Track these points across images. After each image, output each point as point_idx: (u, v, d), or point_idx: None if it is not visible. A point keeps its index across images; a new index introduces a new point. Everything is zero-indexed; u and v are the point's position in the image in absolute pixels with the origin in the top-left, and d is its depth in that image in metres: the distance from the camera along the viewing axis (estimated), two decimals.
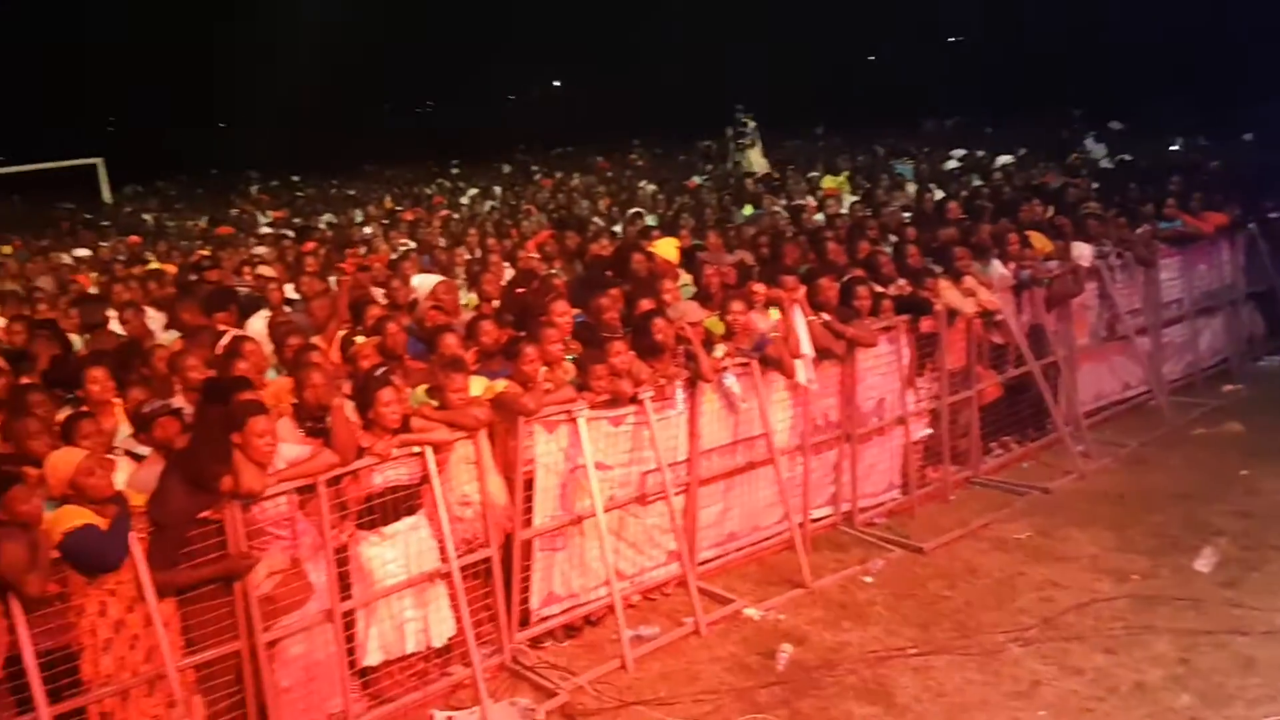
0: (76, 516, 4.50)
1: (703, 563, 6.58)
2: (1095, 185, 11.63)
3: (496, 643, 5.74)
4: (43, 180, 26.09)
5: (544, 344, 5.91)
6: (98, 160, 23.21)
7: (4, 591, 4.30)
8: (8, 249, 14.22)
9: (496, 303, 7.39)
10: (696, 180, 16.09)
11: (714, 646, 5.86)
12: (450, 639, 5.55)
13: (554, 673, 5.64)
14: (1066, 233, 8.86)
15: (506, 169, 22.87)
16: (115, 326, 7.68)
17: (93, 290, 9.75)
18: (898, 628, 5.88)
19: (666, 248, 8.06)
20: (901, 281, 7.69)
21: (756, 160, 16.36)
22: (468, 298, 7.71)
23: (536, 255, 8.78)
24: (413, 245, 10.62)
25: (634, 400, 5.97)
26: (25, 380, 6.14)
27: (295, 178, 25.92)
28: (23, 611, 4.33)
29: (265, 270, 9.02)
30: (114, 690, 4.60)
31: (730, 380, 6.34)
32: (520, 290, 7.19)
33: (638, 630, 5.97)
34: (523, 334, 6.11)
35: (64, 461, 4.61)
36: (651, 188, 15.46)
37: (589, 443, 5.78)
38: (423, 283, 7.63)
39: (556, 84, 50.84)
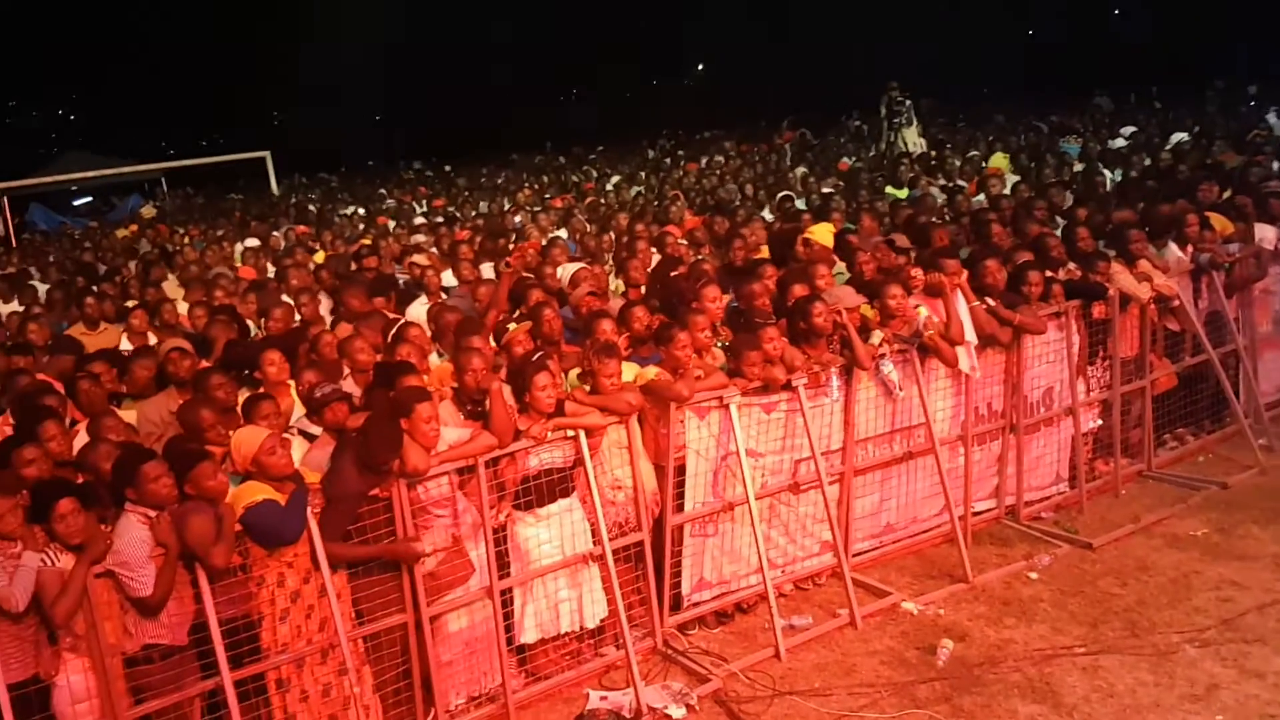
0: (258, 492, 4.75)
1: (857, 554, 6.46)
2: (1277, 164, 10.78)
3: (648, 626, 5.79)
4: (216, 174, 27.75)
5: (694, 330, 5.90)
6: (265, 154, 24.42)
7: (191, 562, 4.59)
8: (187, 239, 15.15)
9: (643, 288, 7.42)
10: (848, 162, 15.74)
11: (870, 639, 5.75)
12: (603, 620, 5.62)
13: (706, 658, 5.64)
14: (1248, 214, 8.26)
15: (651, 154, 22.91)
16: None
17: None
18: (1065, 626, 5.66)
19: (823, 233, 7.89)
20: (1071, 265, 7.34)
21: (912, 140, 15.89)
22: (614, 284, 7.77)
23: (684, 241, 8.76)
24: (561, 233, 10.77)
25: (787, 387, 5.88)
26: (206, 363, 6.52)
27: (448, 167, 26.69)
28: (209, 581, 4.61)
29: (420, 259, 9.29)
30: (290, 658, 4.85)
31: (888, 368, 6.18)
32: (671, 275, 7.17)
33: (791, 620, 5.92)
34: (673, 320, 6.10)
35: (248, 440, 4.87)
36: (801, 170, 15.21)
37: (740, 429, 5.73)
38: (564, 271, 7.74)
39: (700, 68, 50.63)
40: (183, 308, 8.76)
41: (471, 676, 5.36)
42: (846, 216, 9.27)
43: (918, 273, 6.65)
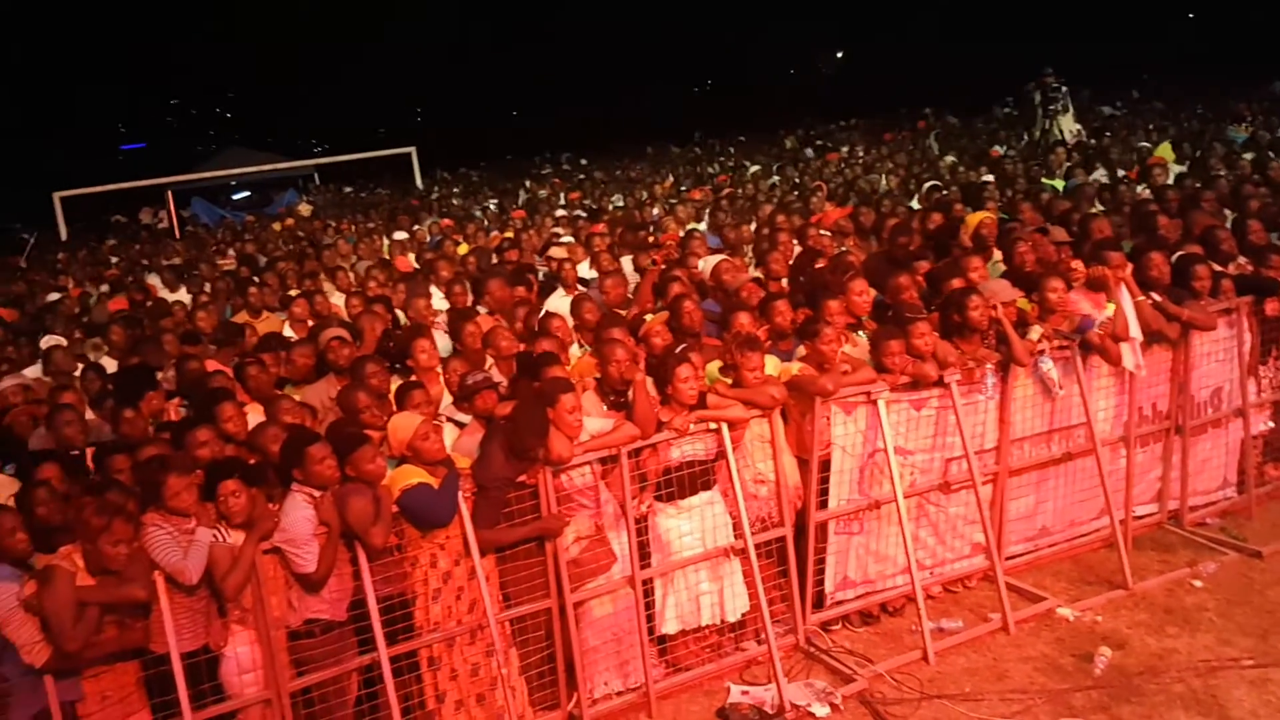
0: (413, 475, 4.91)
1: (1010, 557, 6.23)
2: None
3: (789, 623, 5.73)
4: (362, 169, 28.82)
5: (836, 324, 5.80)
6: (410, 149, 25.23)
7: (351, 541, 4.77)
8: (339, 233, 15.77)
9: (784, 281, 7.32)
10: (999, 150, 15.18)
11: (1023, 645, 5.55)
12: (744, 615, 5.59)
13: (850, 658, 5.55)
14: None
15: (789, 144, 22.62)
16: (437, 302, 8.30)
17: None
18: (1232, 636, 5.37)
19: (978, 223, 7.63)
20: (1243, 259, 6.90)
21: (1068, 127, 15.20)
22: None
23: (827, 232, 8.61)
24: (699, 225, 10.74)
25: (939, 384, 5.72)
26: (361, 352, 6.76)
27: (584, 160, 27.02)
28: (367, 560, 4.79)
29: (558, 251, 9.42)
30: (441, 637, 4.99)
31: (1047, 365, 5.93)
32: (815, 268, 7.06)
33: (939, 623, 5.77)
34: (816, 314, 6.00)
35: (404, 425, 5.04)
36: (950, 158, 14.74)
37: (889, 426, 5.60)
38: (706, 263, 7.70)
39: (839, 54, 49.76)
40: (336, 298, 9.14)
41: (614, 664, 5.41)
42: (1001, 207, 8.94)
43: (1079, 265, 6.36)
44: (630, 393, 5.31)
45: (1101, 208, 8.94)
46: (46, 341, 8.47)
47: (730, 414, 5.41)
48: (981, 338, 5.88)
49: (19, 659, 4.21)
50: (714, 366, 5.72)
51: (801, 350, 5.80)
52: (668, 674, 5.51)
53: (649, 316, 6.31)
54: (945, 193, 10.57)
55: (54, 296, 11.96)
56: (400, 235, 13.71)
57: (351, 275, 10.36)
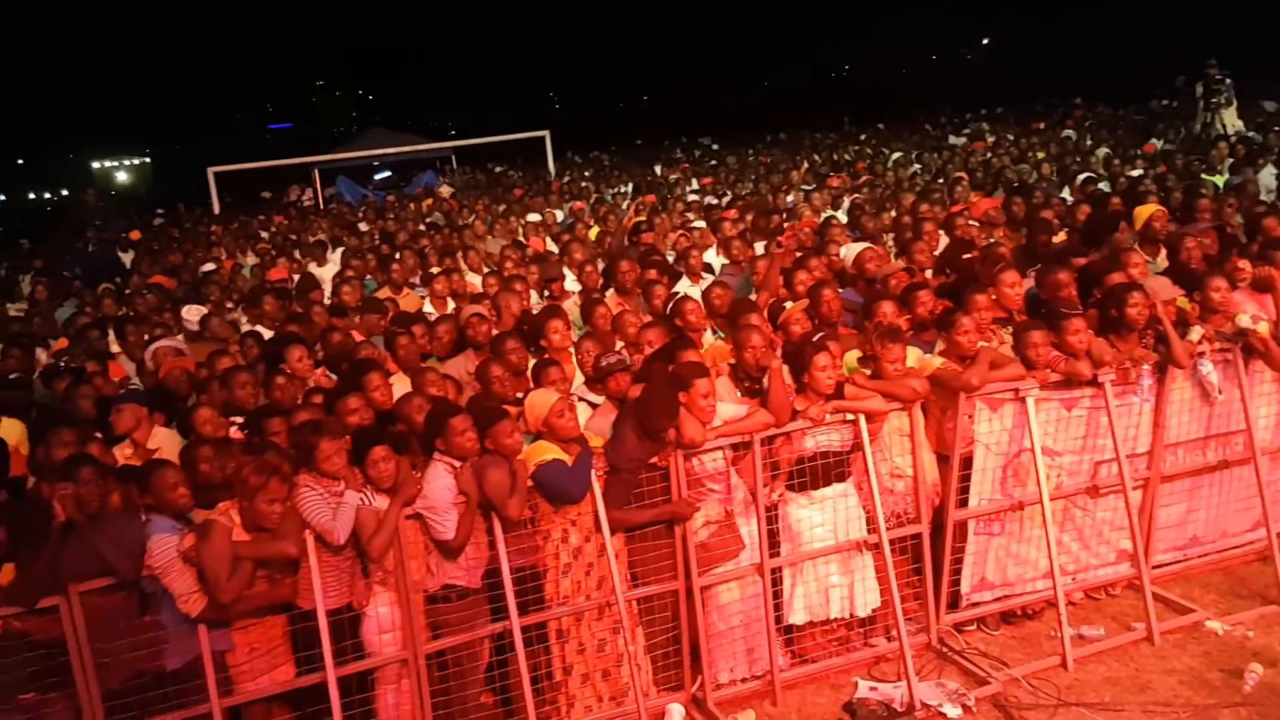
0: (548, 451, 4.99)
1: (1158, 566, 5.96)
2: None
3: (922, 621, 5.61)
4: (497, 152, 29.35)
5: (976, 314, 5.62)
6: (544, 133, 25.54)
7: (488, 512, 4.88)
8: (474, 215, 16.13)
9: (929, 271, 7.14)
10: (1155, 143, 14.44)
11: (1169, 657, 5.32)
12: (874, 610, 5.49)
13: (984, 660, 5.41)
14: None
15: (932, 131, 21.99)
16: (570, 283, 8.41)
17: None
18: None
19: (1149, 216, 7.27)
20: None
21: (1231, 121, 14.36)
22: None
23: (975, 222, 8.34)
24: (836, 212, 10.57)
25: (1092, 383, 5.48)
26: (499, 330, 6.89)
27: (715, 146, 26.89)
28: (503, 531, 4.89)
29: (687, 236, 9.39)
30: (570, 610, 5.08)
31: (1207, 368, 5.62)
32: (964, 258, 6.84)
33: (1080, 629, 5.57)
34: (958, 305, 5.83)
35: (541, 402, 5.12)
36: (1103, 150, 14.08)
37: (1037, 425, 5.40)
38: (848, 251, 7.56)
39: (985, 41, 48.14)
40: (470, 277, 9.36)
41: (739, 650, 5.40)
42: (1159, 202, 8.48)
43: (1245, 265, 6.00)
44: (765, 380, 5.27)
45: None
46: (193, 312, 8.92)
47: (869, 405, 5.31)
48: (1139, 337, 5.60)
49: (176, 608, 4.45)
50: (852, 356, 5.61)
51: (941, 343, 5.64)
52: (793, 664, 5.47)
53: (788, 304, 6.22)
54: (1101, 186, 10.12)
55: (208, 267, 12.61)
56: (534, 217, 13.94)
57: (486, 255, 10.59)
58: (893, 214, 9.68)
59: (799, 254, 7.72)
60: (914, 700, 5.03)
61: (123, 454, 5.48)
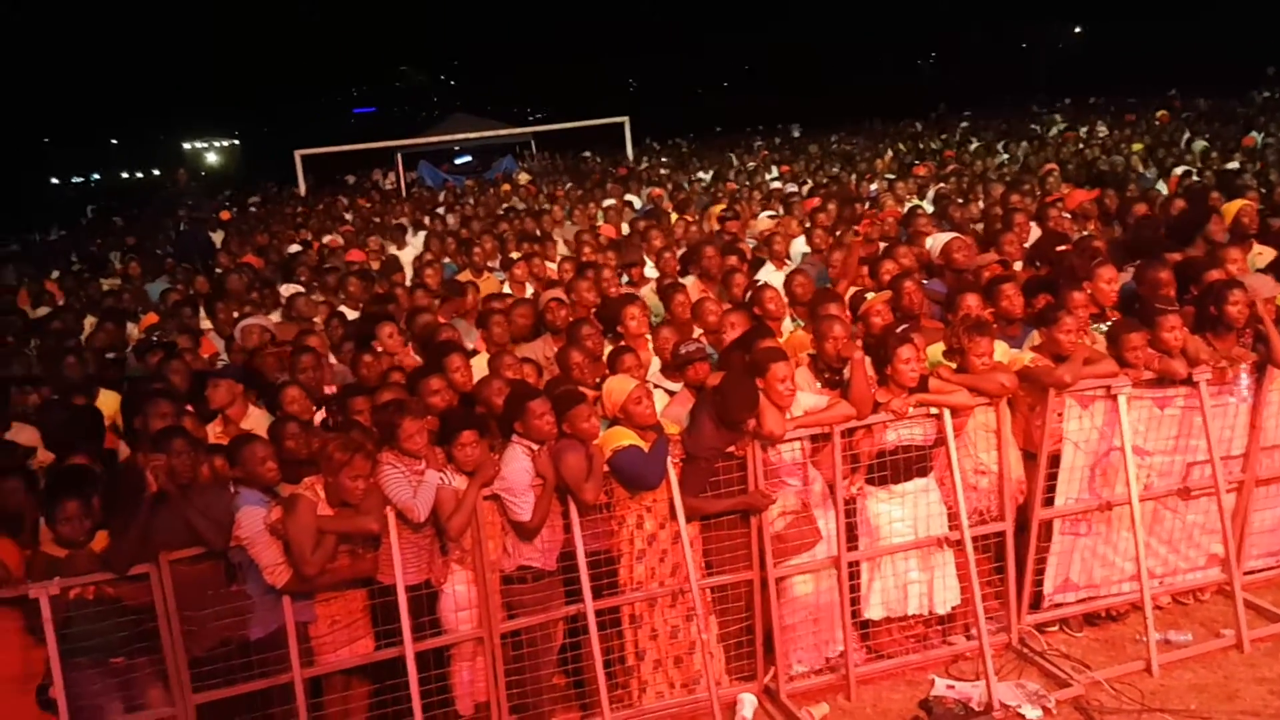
0: (624, 437, 4.99)
1: (1250, 572, 5.77)
2: None
3: (1002, 620, 5.50)
4: (576, 138, 29.43)
5: (1078, 313, 5.45)
6: (624, 119, 25.53)
7: (564, 495, 4.90)
8: (553, 201, 16.21)
9: (1019, 265, 6.96)
10: (1255, 137, 13.87)
11: (1259, 665, 5.14)
12: (953, 608, 5.40)
13: (1066, 662, 5.29)
14: None
15: (1026, 122, 21.43)
16: (649, 271, 8.40)
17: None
18: None
19: (1237, 210, 7.00)
20: None
21: None
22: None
23: (1068, 215, 8.10)
24: (921, 202, 10.37)
25: (1187, 382, 5.29)
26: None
27: (796, 134, 26.62)
28: (578, 514, 4.91)
29: (766, 223, 9.30)
30: (644, 596, 5.09)
31: None
32: (1058, 251, 6.65)
33: (1167, 634, 5.40)
34: (1057, 299, 5.67)
35: (619, 388, 5.12)
36: (1200, 144, 13.58)
37: (1128, 424, 5.24)
38: (935, 241, 7.41)
39: (1078, 30, 46.72)
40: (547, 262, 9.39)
41: (813, 643, 5.35)
42: (1262, 198, 8.16)
43: None
44: (847, 371, 5.20)
45: None
46: (287, 289, 9.14)
47: (954, 400, 5.20)
48: (1237, 336, 5.39)
49: (261, 578, 4.56)
50: (936, 349, 5.51)
51: (1035, 338, 5.50)
52: (868, 659, 5.41)
53: (869, 295, 6.12)
54: (1198, 180, 9.75)
55: (295, 248, 12.89)
56: (609, 203, 13.95)
57: (563, 241, 10.64)
58: (980, 204, 9.45)
59: (883, 243, 7.59)
60: (993, 700, 4.93)
61: (214, 430, 5.61)
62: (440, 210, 15.89)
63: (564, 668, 5.22)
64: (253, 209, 20.17)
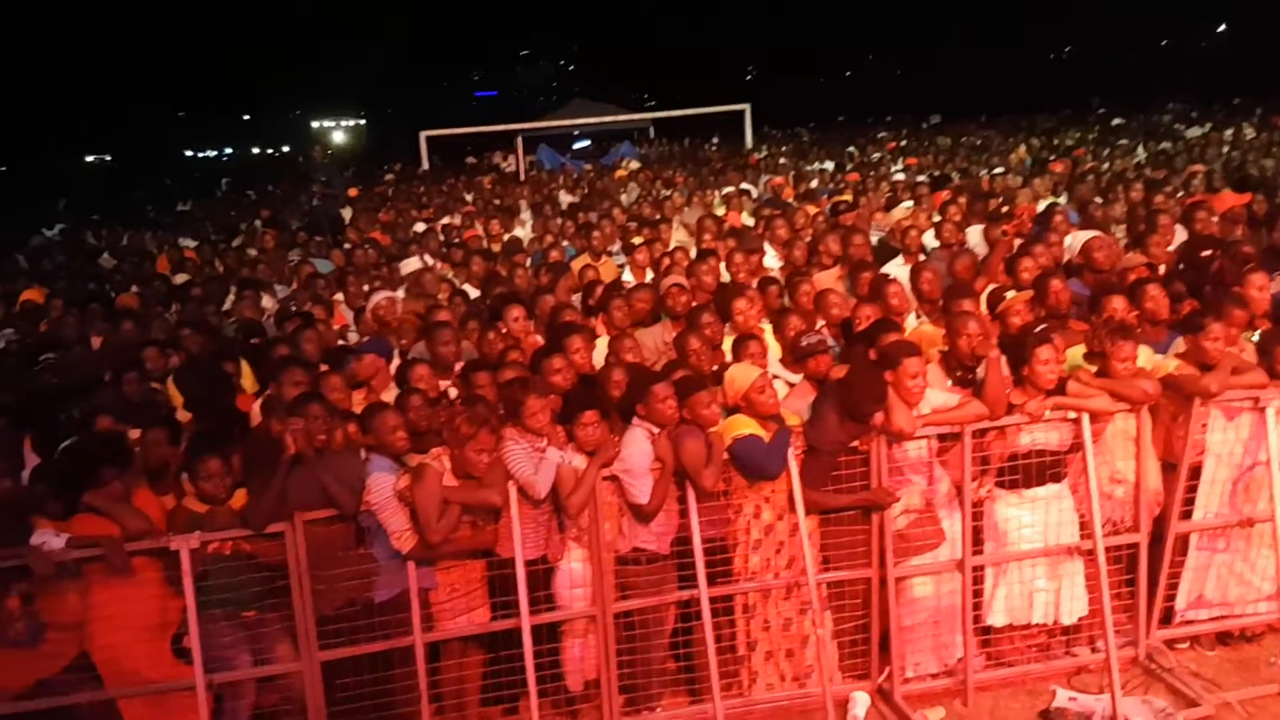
0: (745, 426, 4.96)
1: None
2: None
3: (1130, 635, 5.30)
4: (694, 125, 29.35)
5: (1231, 321, 5.19)
6: (745, 106, 25.30)
7: (682, 480, 4.89)
8: (670, 189, 16.19)
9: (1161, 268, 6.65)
10: None
11: None
12: (1080, 619, 5.21)
13: (1196, 681, 5.06)
14: None
15: (1166, 119, 20.48)
16: (770, 260, 8.31)
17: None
18: None
19: None
20: None
21: None
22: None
23: (1215, 219, 7.70)
24: (1057, 199, 9.99)
25: None
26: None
27: (925, 125, 26.01)
28: (695, 500, 4.90)
29: (901, 215, 9.09)
30: (758, 586, 5.05)
31: None
32: (1204, 256, 6.34)
33: None
34: (1205, 306, 5.40)
35: (742, 376, 5.08)
36: None
37: (1276, 438, 4.96)
38: (1074, 239, 7.13)
39: (1221, 29, 44.45)
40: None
41: (930, 646, 5.23)
42: None
43: None
44: (981, 369, 5.05)
45: None
46: (405, 265, 9.32)
47: (1093, 404, 5.01)
48: None
49: (388, 543, 4.69)
50: (1076, 352, 5.31)
51: (1180, 345, 5.25)
52: (988, 666, 5.27)
53: (1010, 293, 5.92)
54: None
55: (419, 227, 13.20)
56: (730, 190, 13.86)
57: (683, 229, 10.61)
58: (1122, 205, 9.06)
59: (1020, 241, 7.35)
60: (1117, 714, 4.76)
61: (357, 399, 5.75)
62: (559, 194, 16.05)
63: (674, 652, 5.22)
64: (385, 187, 20.72)
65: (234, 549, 4.67)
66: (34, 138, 45.47)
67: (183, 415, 5.77)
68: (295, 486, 4.63)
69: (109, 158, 52.64)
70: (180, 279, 10.29)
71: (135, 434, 5.10)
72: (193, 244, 12.92)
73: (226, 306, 8.54)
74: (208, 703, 4.55)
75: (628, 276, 8.50)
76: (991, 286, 6.42)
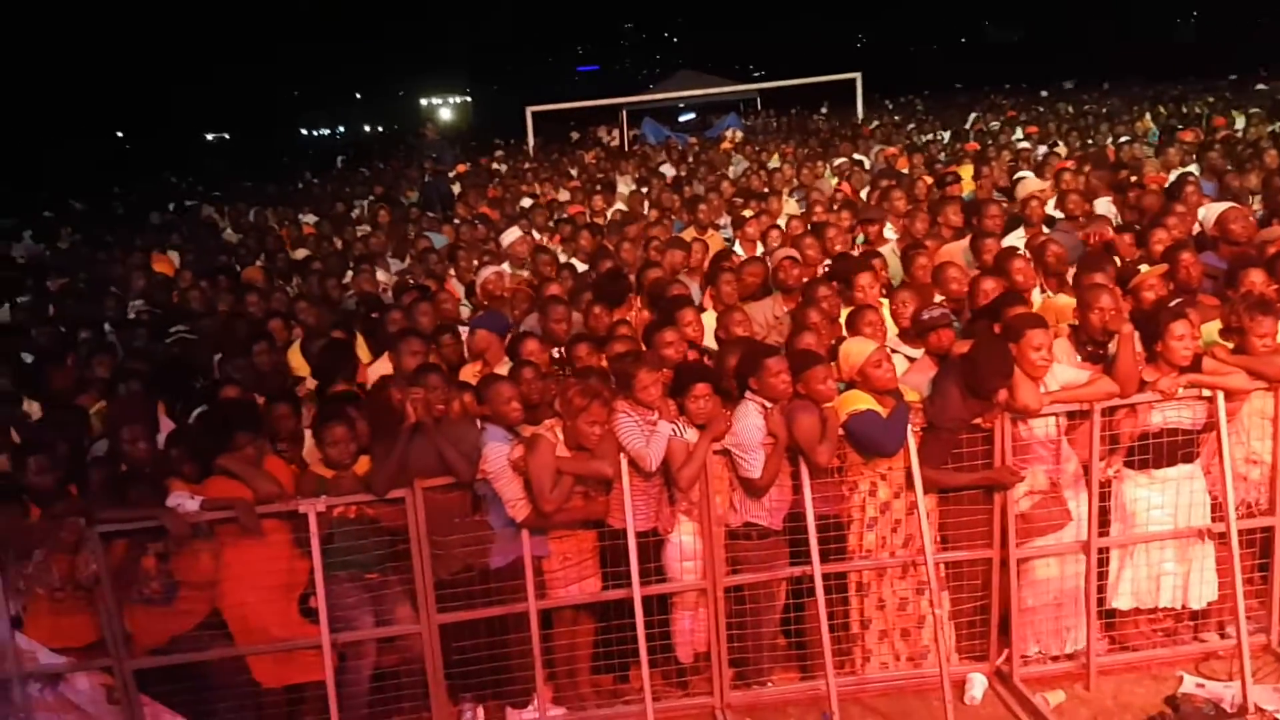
0: (861, 401, 4.87)
1: None
2: None
3: (1262, 621, 5.09)
4: (802, 96, 28.82)
5: None
6: (856, 75, 24.67)
7: (795, 456, 4.84)
8: (777, 158, 15.97)
9: None
10: None
11: None
12: (1209, 604, 5.00)
13: None
14: None
15: None
16: (888, 232, 8.13)
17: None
18: None
19: None
20: None
21: None
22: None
23: None
24: (1189, 169, 9.50)
25: None
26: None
27: (1044, 92, 25.04)
28: (809, 476, 4.84)
29: (1031, 185, 8.74)
30: (873, 565, 4.98)
31: None
32: None
33: None
34: None
35: (857, 350, 4.99)
36: None
37: None
38: (1208, 211, 6.77)
39: None
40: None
41: (1051, 628, 5.09)
42: None
43: None
44: (1113, 345, 4.85)
45: None
46: (506, 238, 9.37)
47: (1230, 382, 4.78)
48: None
49: (503, 511, 4.78)
50: (1211, 328, 5.07)
51: None
52: (1111, 650, 5.11)
53: (1143, 268, 5.68)
54: None
55: (526, 202, 13.32)
56: (842, 161, 13.59)
57: (789, 202, 10.46)
58: (1258, 174, 8.57)
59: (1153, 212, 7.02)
60: (1247, 703, 4.57)
61: (472, 371, 5.86)
62: (664, 168, 15.98)
63: (785, 628, 5.19)
64: (493, 162, 20.97)
65: (358, 513, 4.82)
66: (156, 114, 47.54)
67: (309, 384, 5.98)
68: (415, 454, 4.74)
69: (227, 135, 54.65)
70: (300, 254, 10.61)
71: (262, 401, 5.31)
72: (311, 220, 13.27)
73: (345, 280, 8.76)
74: (332, 661, 4.72)
75: (737, 250, 8.44)
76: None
